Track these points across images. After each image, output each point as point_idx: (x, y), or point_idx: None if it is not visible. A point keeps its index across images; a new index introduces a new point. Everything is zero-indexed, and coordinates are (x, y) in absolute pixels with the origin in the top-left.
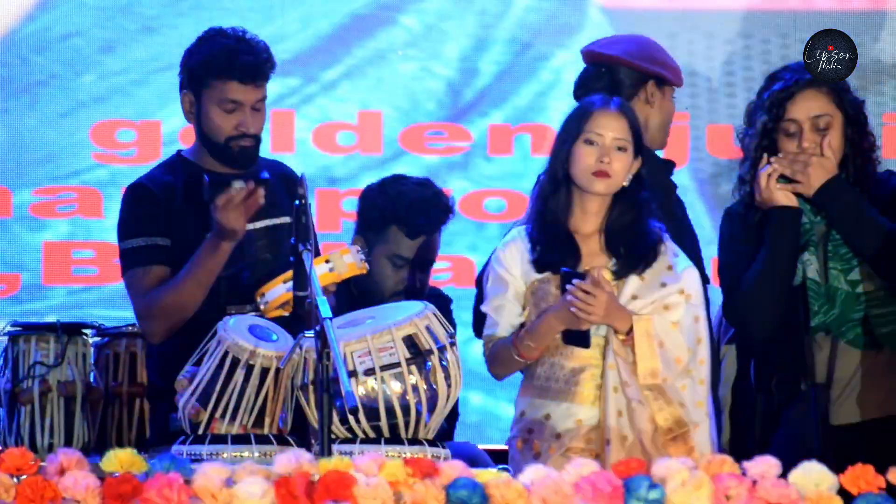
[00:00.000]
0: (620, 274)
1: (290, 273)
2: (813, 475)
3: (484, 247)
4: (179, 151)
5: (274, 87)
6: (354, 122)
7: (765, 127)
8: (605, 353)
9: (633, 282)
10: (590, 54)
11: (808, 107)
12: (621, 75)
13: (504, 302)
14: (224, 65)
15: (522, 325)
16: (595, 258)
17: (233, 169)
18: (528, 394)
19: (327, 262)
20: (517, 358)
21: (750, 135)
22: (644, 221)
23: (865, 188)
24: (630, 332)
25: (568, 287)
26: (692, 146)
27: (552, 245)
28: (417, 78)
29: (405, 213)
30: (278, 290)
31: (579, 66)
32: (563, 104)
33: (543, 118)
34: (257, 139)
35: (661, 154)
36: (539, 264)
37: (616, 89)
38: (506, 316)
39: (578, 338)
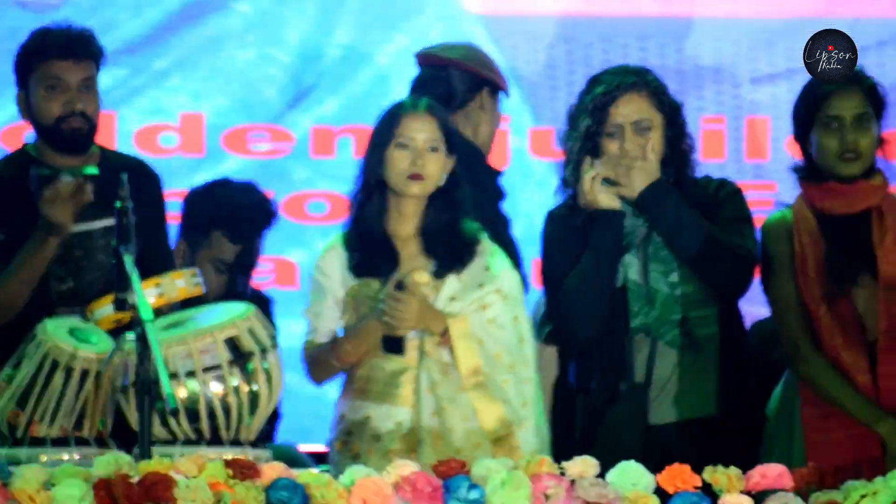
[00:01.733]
0: (440, 274)
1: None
2: (630, 474)
3: (306, 249)
4: (24, 145)
5: (105, 79)
6: (177, 122)
7: (587, 130)
8: (420, 355)
9: (451, 284)
10: (426, 57)
11: (629, 110)
12: (457, 81)
13: (323, 308)
14: (41, 43)
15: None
16: (414, 261)
17: (67, 154)
18: (349, 396)
19: (157, 286)
20: (335, 363)
21: (572, 138)
22: (460, 220)
23: (685, 190)
24: (445, 333)
25: (382, 295)
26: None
27: (370, 250)
28: (254, 66)
29: (229, 219)
30: (107, 310)
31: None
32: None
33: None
34: (89, 121)
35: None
36: (357, 270)
37: (452, 94)
38: (325, 322)
39: (394, 345)
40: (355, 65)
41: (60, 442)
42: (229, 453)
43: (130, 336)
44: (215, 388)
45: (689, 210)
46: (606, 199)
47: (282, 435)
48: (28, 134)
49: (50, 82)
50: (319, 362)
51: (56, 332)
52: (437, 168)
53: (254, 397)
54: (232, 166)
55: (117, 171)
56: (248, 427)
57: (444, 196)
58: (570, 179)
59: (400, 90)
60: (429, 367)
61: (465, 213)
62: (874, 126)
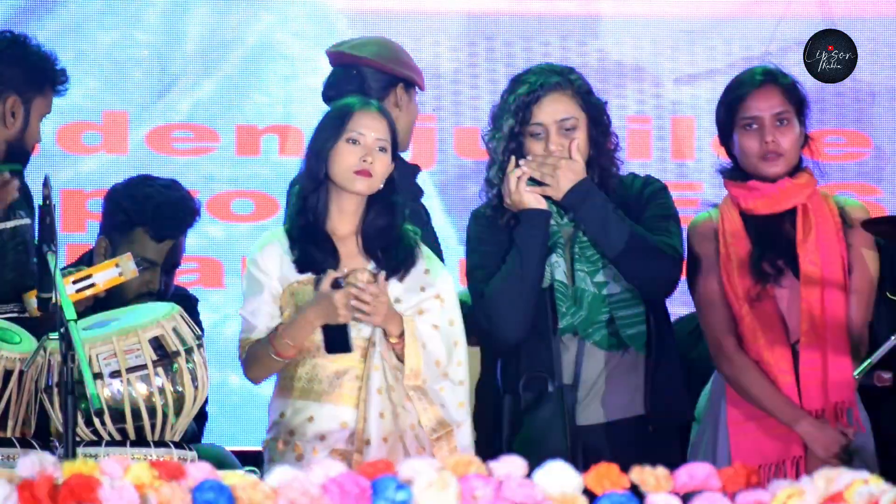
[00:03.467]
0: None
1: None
2: (558, 475)
3: (232, 248)
4: None
5: None
6: (100, 121)
7: (511, 130)
8: (367, 354)
9: (394, 286)
10: (337, 56)
11: (553, 110)
12: (370, 79)
13: (260, 304)
14: None
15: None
16: (353, 260)
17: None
18: (287, 395)
19: (117, 266)
20: (274, 357)
21: (496, 138)
22: (399, 225)
23: (610, 189)
24: (401, 335)
25: (351, 287)
26: (438, 148)
27: (312, 245)
28: (119, 47)
29: (151, 217)
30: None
31: (297, 25)
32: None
33: (258, 87)
34: None
35: (406, 157)
36: (299, 265)
37: (365, 92)
38: (262, 318)
39: (340, 344)
40: (224, 46)
41: None
42: (154, 454)
43: (54, 335)
44: (140, 389)
45: (615, 209)
46: (532, 200)
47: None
48: None
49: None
50: (257, 359)
51: None
52: (383, 168)
53: (179, 397)
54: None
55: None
56: (174, 427)
57: (383, 199)
58: (495, 180)
59: (274, 69)
60: (379, 367)
61: (402, 218)
62: (795, 125)
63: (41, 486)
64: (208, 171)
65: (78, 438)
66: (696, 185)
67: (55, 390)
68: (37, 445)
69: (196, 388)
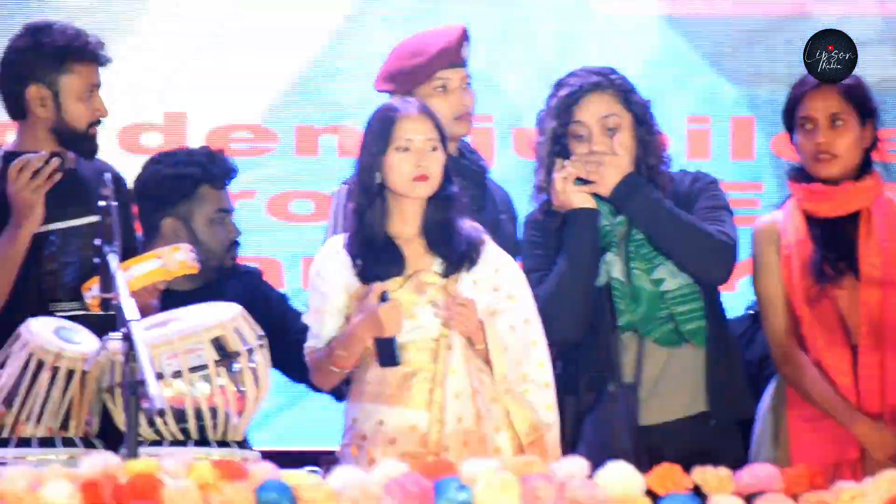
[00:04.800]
0: (447, 273)
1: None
2: (620, 476)
3: (292, 248)
4: (2, 147)
5: None
6: (161, 122)
7: (555, 133)
8: (439, 357)
9: (466, 288)
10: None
11: (595, 109)
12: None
13: (323, 314)
14: (76, 45)
15: None
16: (419, 261)
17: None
18: (360, 400)
19: (158, 258)
20: (333, 368)
21: (541, 142)
22: (458, 218)
23: (660, 187)
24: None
25: (440, 304)
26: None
27: (375, 256)
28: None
29: (209, 167)
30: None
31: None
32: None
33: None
34: None
35: None
36: (363, 276)
37: None
38: (326, 328)
39: (389, 358)
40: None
41: (47, 442)
42: (217, 454)
43: (116, 335)
44: (202, 389)
45: (665, 200)
46: (580, 199)
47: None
48: None
49: (89, 87)
50: (319, 368)
51: (41, 331)
52: (439, 167)
53: (241, 397)
54: None
55: (96, 171)
56: (236, 427)
57: (441, 194)
58: (543, 183)
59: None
60: (457, 371)
61: (462, 211)
62: (854, 126)
63: (104, 486)
64: (267, 171)
65: (140, 438)
66: (756, 186)
67: (117, 390)
68: (100, 445)
69: (258, 387)
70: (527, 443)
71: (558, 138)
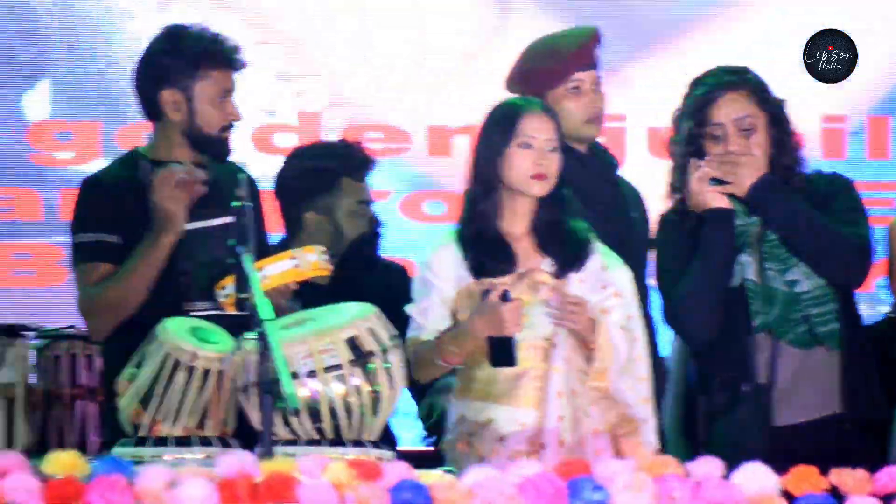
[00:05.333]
0: (559, 273)
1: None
2: (755, 476)
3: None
4: (136, 148)
5: None
6: (295, 122)
7: (690, 132)
8: (548, 357)
9: (575, 286)
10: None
11: (730, 109)
12: None
13: (430, 305)
14: (213, 49)
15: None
16: (529, 259)
17: (216, 161)
18: (467, 397)
19: (293, 258)
20: (440, 363)
21: (676, 142)
22: (568, 219)
23: (796, 188)
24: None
25: (553, 303)
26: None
27: (487, 250)
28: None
29: (349, 159)
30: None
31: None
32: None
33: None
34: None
35: None
36: (476, 271)
37: None
38: (431, 319)
39: (505, 358)
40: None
41: (184, 441)
42: (352, 453)
43: (251, 335)
44: (337, 388)
45: (801, 202)
46: (715, 199)
47: None
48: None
49: (222, 92)
50: (422, 360)
51: (177, 331)
52: (556, 168)
53: (375, 397)
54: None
55: (229, 173)
56: (370, 427)
57: (554, 194)
58: (677, 183)
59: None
60: (560, 370)
61: (572, 212)
62: None
63: (241, 485)
64: (400, 171)
65: (276, 438)
66: (893, 185)
67: (252, 390)
68: (236, 444)
69: (392, 387)
70: (619, 434)
71: (693, 138)
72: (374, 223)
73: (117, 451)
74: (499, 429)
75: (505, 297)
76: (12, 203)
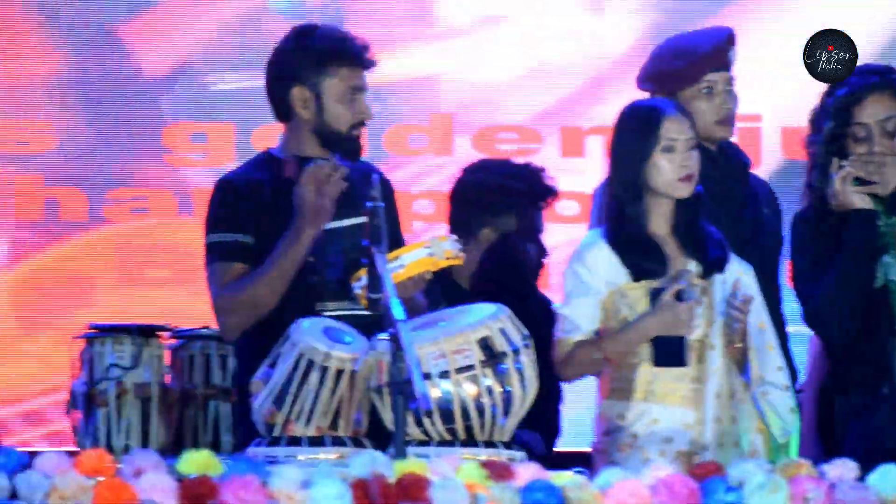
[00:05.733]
0: (705, 274)
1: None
2: (892, 479)
3: (557, 250)
4: (268, 149)
5: None
6: (427, 123)
7: (832, 132)
8: (703, 358)
9: (718, 289)
10: None
11: (875, 110)
12: None
13: (585, 305)
14: (342, 48)
15: (598, 332)
16: (676, 260)
17: (347, 160)
18: (628, 398)
19: (427, 247)
20: (600, 360)
21: (817, 141)
22: (703, 219)
23: None
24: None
25: (732, 301)
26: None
27: (642, 252)
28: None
29: (535, 185)
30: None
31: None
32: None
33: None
34: None
35: None
36: (633, 274)
37: None
38: (585, 320)
39: (674, 358)
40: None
41: (317, 441)
42: (484, 454)
43: (384, 336)
44: (469, 389)
45: None
46: (859, 200)
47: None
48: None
49: (352, 90)
50: (578, 360)
51: (310, 331)
52: (698, 166)
53: (507, 398)
54: None
55: (361, 172)
56: (502, 428)
57: (692, 194)
58: (817, 183)
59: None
60: (717, 371)
61: (706, 212)
62: None
63: (373, 485)
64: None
65: (408, 438)
66: None
67: (385, 390)
68: (369, 445)
69: (524, 388)
70: (775, 446)
71: (835, 138)
72: (542, 253)
73: (251, 450)
74: (664, 430)
75: (680, 297)
76: (147, 203)
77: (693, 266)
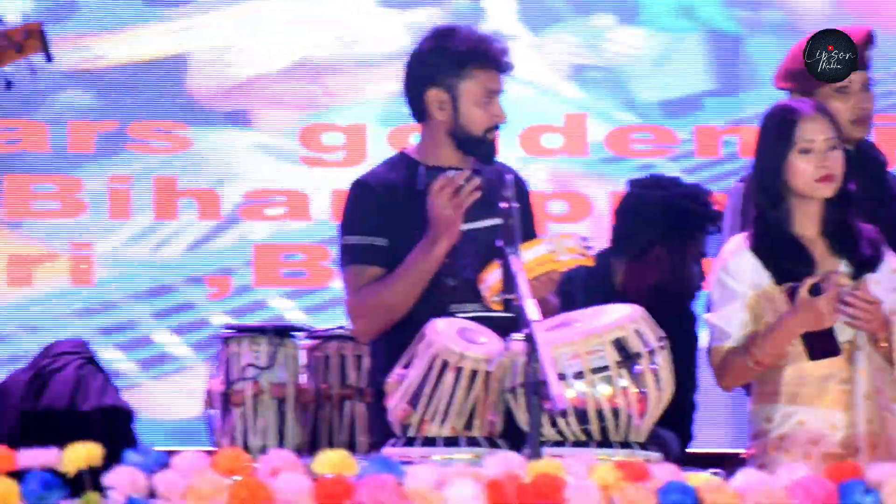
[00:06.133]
0: (856, 275)
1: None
2: None
3: None
4: (403, 150)
5: None
6: (561, 124)
7: None
8: (851, 358)
9: (871, 286)
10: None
11: None
12: None
13: (733, 312)
14: (483, 50)
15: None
16: (825, 262)
17: (482, 163)
18: (774, 401)
19: (546, 243)
20: (752, 366)
21: None
22: (856, 218)
23: None
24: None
25: (846, 296)
26: None
27: (786, 255)
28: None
29: (709, 213)
30: (496, 275)
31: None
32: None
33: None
34: None
35: None
36: (777, 275)
37: None
38: (735, 326)
39: (827, 349)
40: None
41: (451, 442)
42: (619, 455)
43: (518, 337)
44: (603, 390)
45: None
46: None
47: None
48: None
49: (488, 92)
50: (733, 368)
51: (445, 332)
52: (840, 166)
53: (642, 399)
54: (614, 168)
55: (496, 173)
56: (637, 429)
57: (840, 194)
58: None
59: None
60: (864, 371)
61: (859, 210)
62: None
63: (508, 486)
64: (667, 172)
65: (543, 439)
66: None
67: (519, 391)
68: (503, 445)
69: (660, 389)
70: None
71: None
72: (702, 277)
73: (386, 450)
74: (811, 432)
75: (815, 291)
76: (284, 204)
77: (844, 266)
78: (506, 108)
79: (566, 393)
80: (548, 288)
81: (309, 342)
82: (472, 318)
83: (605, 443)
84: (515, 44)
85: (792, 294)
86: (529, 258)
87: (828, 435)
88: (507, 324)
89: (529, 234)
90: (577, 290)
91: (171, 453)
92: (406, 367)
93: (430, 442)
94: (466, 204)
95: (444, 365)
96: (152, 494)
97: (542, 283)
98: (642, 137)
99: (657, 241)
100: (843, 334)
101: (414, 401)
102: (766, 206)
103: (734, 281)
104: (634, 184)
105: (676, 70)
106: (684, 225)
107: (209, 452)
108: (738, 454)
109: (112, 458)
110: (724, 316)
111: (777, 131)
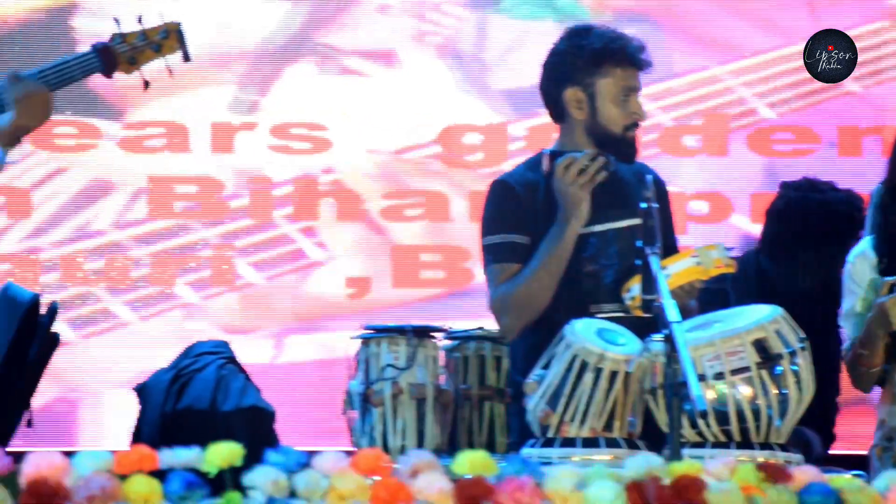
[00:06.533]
0: None
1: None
2: None
3: None
4: (543, 150)
5: None
6: (700, 122)
7: None
8: None
9: None
10: None
11: None
12: None
13: (851, 314)
14: (619, 47)
15: None
16: None
17: (622, 162)
18: (887, 401)
19: (694, 256)
20: (861, 368)
21: None
22: None
23: None
24: None
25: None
26: None
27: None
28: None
29: (857, 218)
30: (639, 287)
31: None
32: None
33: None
34: None
35: None
36: (885, 274)
37: None
38: (850, 327)
39: None
40: None
41: (591, 443)
42: (760, 456)
43: (657, 338)
44: (744, 391)
45: None
46: None
47: None
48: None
49: (625, 90)
50: (852, 369)
51: (584, 333)
52: None
53: (783, 400)
54: (751, 167)
55: (636, 173)
56: (778, 430)
57: None
58: None
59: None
60: None
61: None
62: None
63: (648, 487)
64: (810, 171)
65: (683, 440)
66: None
67: (659, 392)
68: (643, 446)
69: (800, 390)
70: None
71: None
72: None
73: (525, 451)
74: None
75: (893, 290)
76: (423, 205)
77: None
78: None
79: (706, 394)
80: (690, 296)
81: (448, 342)
82: (612, 319)
83: (745, 444)
84: None
85: (892, 290)
86: (678, 270)
87: None
88: (647, 324)
89: (668, 235)
90: (728, 288)
91: (311, 453)
92: (545, 367)
93: (569, 443)
94: (594, 183)
95: (584, 365)
96: (293, 494)
97: (685, 292)
98: (784, 138)
99: (816, 244)
100: None
101: (553, 401)
102: (887, 204)
103: (852, 282)
104: (789, 186)
105: None
106: (843, 229)
107: (349, 453)
108: None
109: (253, 458)
110: (847, 319)
111: None
